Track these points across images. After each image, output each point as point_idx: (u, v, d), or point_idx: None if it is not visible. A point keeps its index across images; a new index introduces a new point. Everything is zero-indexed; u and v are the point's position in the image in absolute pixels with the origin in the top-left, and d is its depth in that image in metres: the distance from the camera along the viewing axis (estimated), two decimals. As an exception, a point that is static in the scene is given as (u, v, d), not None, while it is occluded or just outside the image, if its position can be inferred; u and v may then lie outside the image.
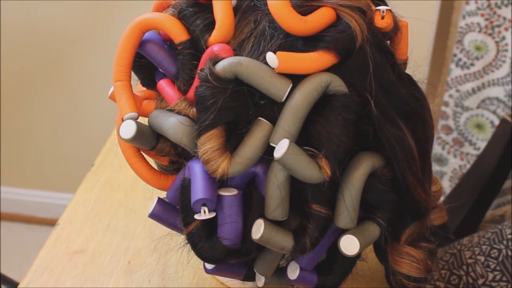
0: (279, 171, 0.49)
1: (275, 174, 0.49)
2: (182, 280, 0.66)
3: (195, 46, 0.53)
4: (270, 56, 0.48)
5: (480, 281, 0.75)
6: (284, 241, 0.51)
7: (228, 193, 0.50)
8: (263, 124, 0.49)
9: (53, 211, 1.77)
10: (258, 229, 0.50)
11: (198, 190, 0.49)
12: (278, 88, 0.48)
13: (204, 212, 0.49)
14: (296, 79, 0.49)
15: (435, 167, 1.55)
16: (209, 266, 0.57)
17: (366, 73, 0.51)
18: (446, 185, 1.56)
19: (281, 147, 0.47)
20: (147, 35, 0.54)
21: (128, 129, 0.51)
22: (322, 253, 0.55)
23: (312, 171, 0.48)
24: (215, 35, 0.52)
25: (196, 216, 0.50)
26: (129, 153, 0.56)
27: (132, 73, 0.56)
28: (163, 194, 0.57)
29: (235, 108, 0.49)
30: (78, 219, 0.75)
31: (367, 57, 0.51)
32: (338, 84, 0.49)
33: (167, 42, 0.55)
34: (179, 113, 0.52)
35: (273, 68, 0.48)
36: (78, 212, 0.76)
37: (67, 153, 1.77)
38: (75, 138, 1.75)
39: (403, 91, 0.53)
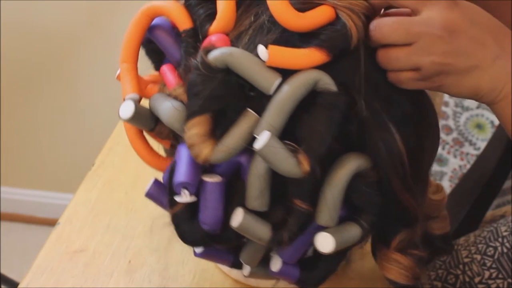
0: (260, 163, 0.50)
1: (256, 165, 0.50)
2: (182, 280, 0.66)
3: (198, 35, 0.54)
4: (261, 49, 0.49)
5: (477, 279, 0.75)
6: (262, 231, 0.51)
7: (211, 179, 0.51)
8: (250, 115, 0.50)
9: (53, 211, 1.77)
10: (237, 218, 0.51)
11: (181, 173, 0.50)
12: (267, 81, 0.49)
13: (185, 195, 0.50)
14: (289, 74, 0.50)
15: (435, 167, 1.55)
16: (198, 250, 0.58)
17: (360, 74, 0.51)
18: (446, 185, 1.56)
19: (261, 139, 0.48)
20: (157, 21, 0.57)
21: (127, 109, 0.53)
22: (304, 248, 0.55)
23: (290, 165, 0.48)
24: (215, 25, 0.53)
25: (177, 198, 0.51)
26: (132, 133, 0.57)
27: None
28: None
29: (223, 97, 0.49)
30: (79, 218, 0.75)
31: (361, 58, 0.51)
32: (326, 82, 0.49)
33: (175, 30, 0.57)
34: (175, 98, 0.53)
35: (264, 61, 0.49)
36: (79, 211, 0.76)
37: (67, 153, 1.77)
38: (75, 138, 1.75)
39: (400, 96, 0.53)
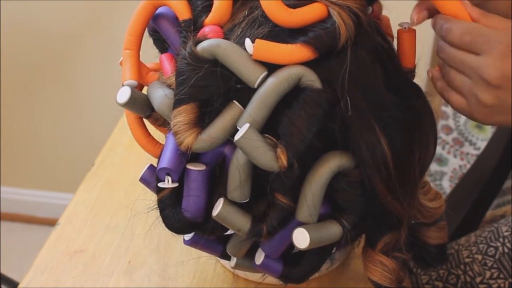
0: (240, 154, 0.51)
1: (237, 157, 0.51)
2: (182, 280, 0.66)
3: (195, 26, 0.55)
4: (247, 43, 0.50)
5: (478, 279, 0.75)
6: (241, 222, 0.52)
7: (195, 167, 0.52)
8: (235, 107, 0.51)
9: (53, 211, 1.76)
10: (217, 207, 0.52)
11: (164, 159, 0.52)
12: (251, 74, 0.50)
13: (168, 181, 0.52)
14: (276, 68, 0.50)
15: (435, 167, 1.55)
16: (187, 237, 0.59)
17: (345, 73, 0.51)
18: (446, 185, 1.56)
19: (241, 131, 0.49)
20: (162, 10, 0.58)
21: (123, 94, 0.54)
22: (285, 243, 0.55)
23: (267, 158, 0.49)
24: (209, 17, 0.55)
25: (160, 184, 0.52)
26: (131, 118, 0.59)
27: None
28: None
29: (207, 88, 0.50)
30: (78, 219, 0.75)
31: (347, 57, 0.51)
32: (310, 79, 0.50)
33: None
34: (169, 86, 0.54)
35: (251, 55, 0.50)
36: (79, 212, 0.76)
37: (67, 153, 1.77)
38: (75, 138, 1.75)
39: (391, 99, 0.53)
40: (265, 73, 0.50)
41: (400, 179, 0.53)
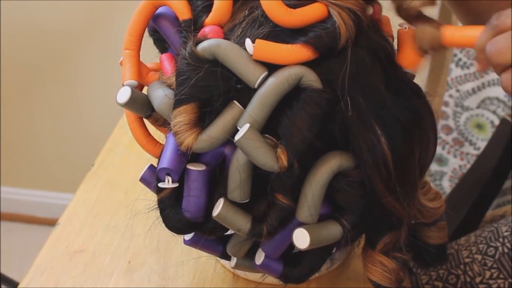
0: (240, 155, 0.51)
1: (237, 157, 0.51)
2: (182, 280, 0.66)
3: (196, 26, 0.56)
4: (248, 43, 0.50)
5: (478, 279, 0.75)
6: (241, 222, 0.52)
7: (195, 168, 0.52)
8: (235, 107, 0.51)
9: (53, 211, 1.77)
10: (217, 207, 0.52)
11: (165, 159, 0.52)
12: (252, 74, 0.50)
13: (168, 181, 0.52)
14: (277, 69, 0.50)
15: (435, 167, 1.55)
16: (187, 237, 0.59)
17: (345, 73, 0.51)
18: (446, 185, 1.56)
19: (241, 131, 0.49)
20: (162, 10, 0.58)
21: (123, 95, 0.54)
22: (285, 243, 0.55)
23: (267, 158, 0.49)
24: (210, 17, 0.55)
25: (160, 184, 0.53)
26: (131, 118, 0.59)
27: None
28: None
29: (207, 88, 0.51)
30: (78, 219, 0.75)
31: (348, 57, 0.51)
32: (310, 79, 0.50)
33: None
34: (169, 86, 0.54)
35: (251, 55, 0.50)
36: (79, 212, 0.76)
37: (67, 153, 1.77)
38: (75, 138, 1.75)
39: (391, 100, 0.53)
40: (265, 73, 0.50)
41: (400, 179, 0.53)
